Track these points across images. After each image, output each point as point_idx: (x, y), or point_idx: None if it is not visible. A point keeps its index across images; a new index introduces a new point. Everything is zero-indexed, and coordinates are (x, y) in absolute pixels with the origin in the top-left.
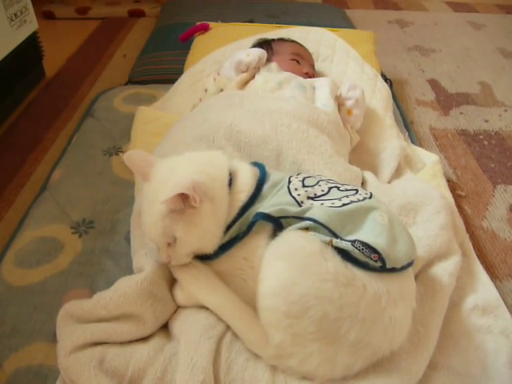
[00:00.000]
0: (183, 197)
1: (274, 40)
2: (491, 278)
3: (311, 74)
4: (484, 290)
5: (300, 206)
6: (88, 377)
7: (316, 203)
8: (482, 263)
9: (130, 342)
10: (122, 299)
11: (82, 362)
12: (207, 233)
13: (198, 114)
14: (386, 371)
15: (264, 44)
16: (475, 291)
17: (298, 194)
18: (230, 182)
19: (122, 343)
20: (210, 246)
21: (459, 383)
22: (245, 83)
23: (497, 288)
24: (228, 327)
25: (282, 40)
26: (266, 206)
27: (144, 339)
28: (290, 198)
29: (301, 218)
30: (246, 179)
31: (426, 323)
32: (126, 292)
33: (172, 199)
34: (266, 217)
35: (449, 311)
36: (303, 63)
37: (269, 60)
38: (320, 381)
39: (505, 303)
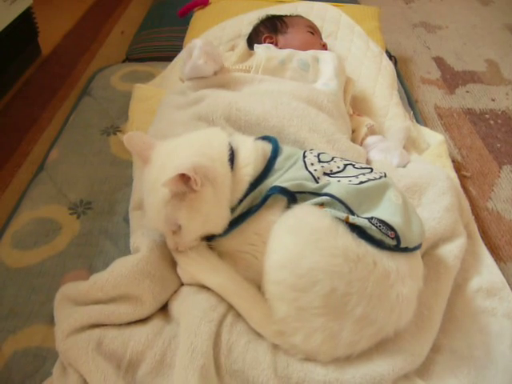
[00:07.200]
0: (184, 179)
1: (281, 16)
2: (496, 260)
3: (326, 45)
4: (488, 272)
5: (317, 182)
6: (86, 360)
7: (333, 180)
8: (486, 245)
9: (129, 324)
10: (119, 280)
11: (79, 345)
12: (210, 217)
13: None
14: (390, 353)
15: (274, 18)
16: (480, 273)
17: (315, 170)
18: (233, 159)
19: (120, 325)
20: (216, 228)
21: (462, 366)
22: (243, 58)
23: (501, 270)
24: (229, 309)
25: (290, 16)
26: (281, 179)
27: (142, 321)
28: (307, 172)
29: (317, 194)
30: (248, 152)
31: (430, 305)
32: (122, 273)
33: (173, 180)
34: (283, 191)
35: (453, 293)
36: (317, 35)
37: (283, 32)
38: (323, 359)
39: (509, 285)
